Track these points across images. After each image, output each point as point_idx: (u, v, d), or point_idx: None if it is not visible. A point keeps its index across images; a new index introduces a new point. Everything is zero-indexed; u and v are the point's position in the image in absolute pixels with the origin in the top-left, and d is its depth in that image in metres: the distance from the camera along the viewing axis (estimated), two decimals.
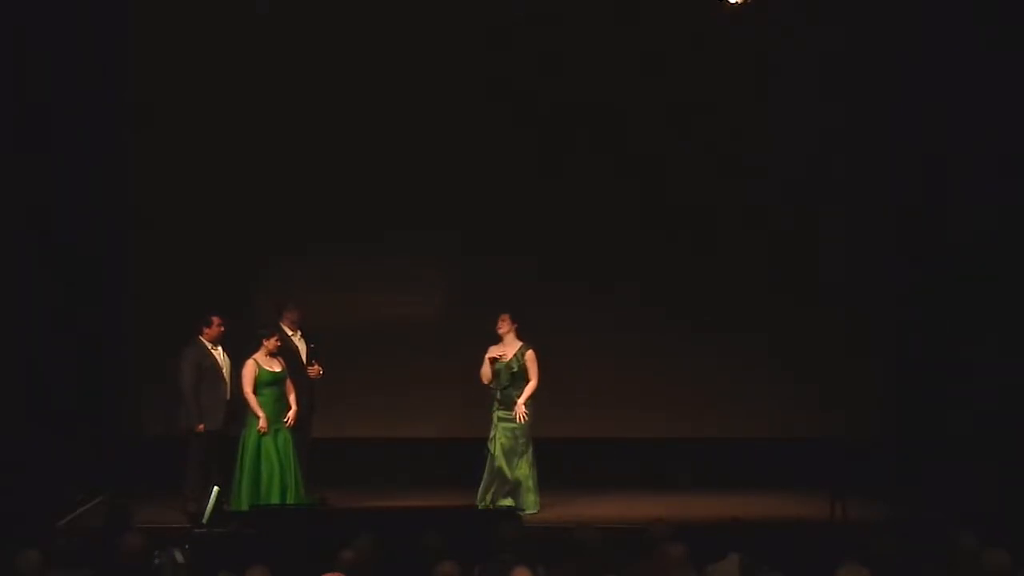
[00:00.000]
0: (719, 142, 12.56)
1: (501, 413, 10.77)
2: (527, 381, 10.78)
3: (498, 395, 10.78)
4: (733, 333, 12.45)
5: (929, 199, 12.14)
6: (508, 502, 10.61)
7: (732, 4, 11.20)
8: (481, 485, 10.76)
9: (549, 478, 11.54)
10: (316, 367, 10.99)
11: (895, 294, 12.50)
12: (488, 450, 10.73)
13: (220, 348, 10.84)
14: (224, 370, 10.74)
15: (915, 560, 7.11)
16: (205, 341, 10.78)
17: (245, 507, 10.21)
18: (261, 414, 10.42)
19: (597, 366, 12.47)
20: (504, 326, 10.83)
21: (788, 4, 12.28)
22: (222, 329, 10.82)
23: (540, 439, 11.15)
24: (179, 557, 7.86)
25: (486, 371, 10.78)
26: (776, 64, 12.51)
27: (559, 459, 12.03)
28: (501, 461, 10.66)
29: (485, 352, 10.88)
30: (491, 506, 10.58)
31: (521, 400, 10.73)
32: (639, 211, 12.62)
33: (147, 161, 12.51)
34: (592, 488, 11.77)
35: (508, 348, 10.82)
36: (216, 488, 9.55)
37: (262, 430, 10.39)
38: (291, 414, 10.58)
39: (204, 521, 9.29)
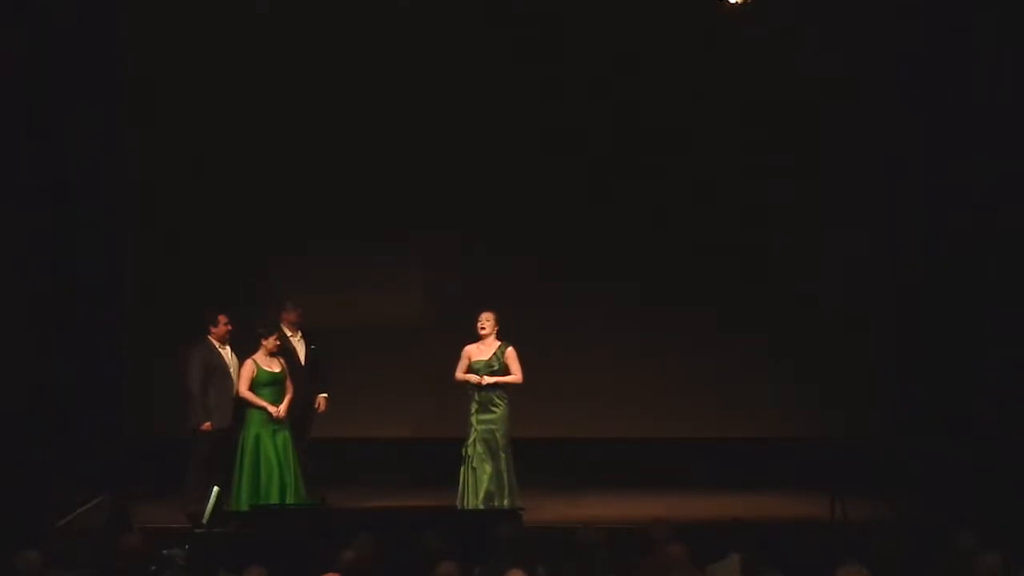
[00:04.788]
0: (718, 142, 12.56)
1: (480, 416, 10.50)
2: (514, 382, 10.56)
3: (476, 396, 10.53)
4: (733, 333, 12.46)
5: (929, 199, 12.13)
6: (505, 503, 10.50)
7: (732, 4, 11.21)
8: (460, 492, 10.48)
9: (549, 478, 11.58)
10: (324, 400, 11.03)
11: (895, 294, 12.50)
12: (466, 455, 10.51)
13: (228, 347, 10.85)
14: (232, 369, 10.75)
15: (915, 560, 7.11)
16: (212, 340, 10.80)
17: (245, 507, 10.21)
18: (262, 403, 10.43)
19: (597, 366, 12.47)
20: (488, 326, 10.56)
21: (788, 4, 12.29)
22: (229, 328, 10.83)
23: (539, 439, 11.16)
24: (181, 555, 7.89)
25: (461, 375, 10.54)
26: (777, 64, 12.50)
27: (558, 459, 12.06)
28: (483, 464, 10.45)
29: (462, 352, 10.59)
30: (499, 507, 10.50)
31: (497, 380, 10.44)
32: (639, 211, 12.62)
33: (147, 161, 12.52)
34: (592, 488, 11.77)
35: (487, 348, 10.58)
36: (216, 488, 9.56)
37: (279, 414, 10.41)
38: (283, 405, 10.54)
39: (204, 521, 9.29)
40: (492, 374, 10.50)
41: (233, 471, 10.46)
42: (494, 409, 10.52)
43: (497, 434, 10.48)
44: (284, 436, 10.52)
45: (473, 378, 10.51)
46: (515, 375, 10.54)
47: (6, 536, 8.30)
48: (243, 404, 10.57)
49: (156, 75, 12.45)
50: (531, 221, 12.52)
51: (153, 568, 7.52)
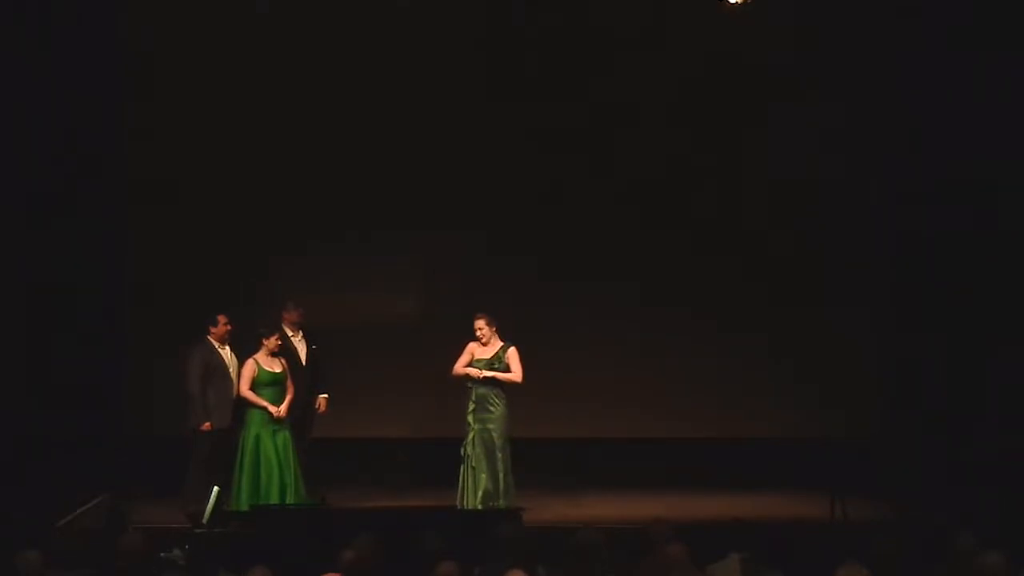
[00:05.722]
0: (719, 142, 12.57)
1: (477, 415, 10.52)
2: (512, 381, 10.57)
3: (473, 395, 10.57)
4: (733, 333, 12.46)
5: (929, 198, 12.14)
6: (502, 503, 10.49)
7: (732, 4, 11.21)
8: (459, 491, 10.51)
9: (549, 478, 11.59)
10: (325, 401, 11.04)
11: (895, 294, 12.50)
12: (465, 455, 10.52)
13: (227, 347, 10.86)
14: (231, 369, 10.77)
15: (915, 560, 7.11)
16: (212, 340, 10.80)
17: (245, 507, 10.22)
18: (263, 403, 10.45)
19: (597, 366, 12.47)
20: (483, 332, 10.56)
21: (788, 4, 12.30)
22: (228, 328, 10.85)
23: (539, 439, 11.15)
24: (181, 555, 7.89)
25: (460, 368, 10.60)
26: (776, 64, 12.50)
27: (558, 459, 12.07)
28: (481, 464, 10.47)
29: (465, 348, 10.64)
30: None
31: (494, 374, 10.49)
32: (639, 211, 12.62)
33: (146, 160, 12.52)
34: (592, 488, 11.78)
35: (490, 347, 10.61)
36: (216, 488, 9.56)
37: (279, 414, 10.41)
38: (284, 405, 10.55)
39: (204, 521, 9.29)
40: (493, 371, 10.53)
41: (233, 471, 10.47)
42: (491, 408, 10.54)
43: (494, 434, 10.50)
44: (284, 436, 10.53)
45: (473, 371, 10.52)
46: (514, 374, 10.55)
47: (6, 536, 8.28)
48: (243, 404, 10.58)
49: (156, 74, 12.45)
50: (531, 221, 12.52)
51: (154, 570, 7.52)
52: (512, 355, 10.58)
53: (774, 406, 12.45)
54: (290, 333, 11.01)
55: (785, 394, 12.45)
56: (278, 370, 10.60)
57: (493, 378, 10.53)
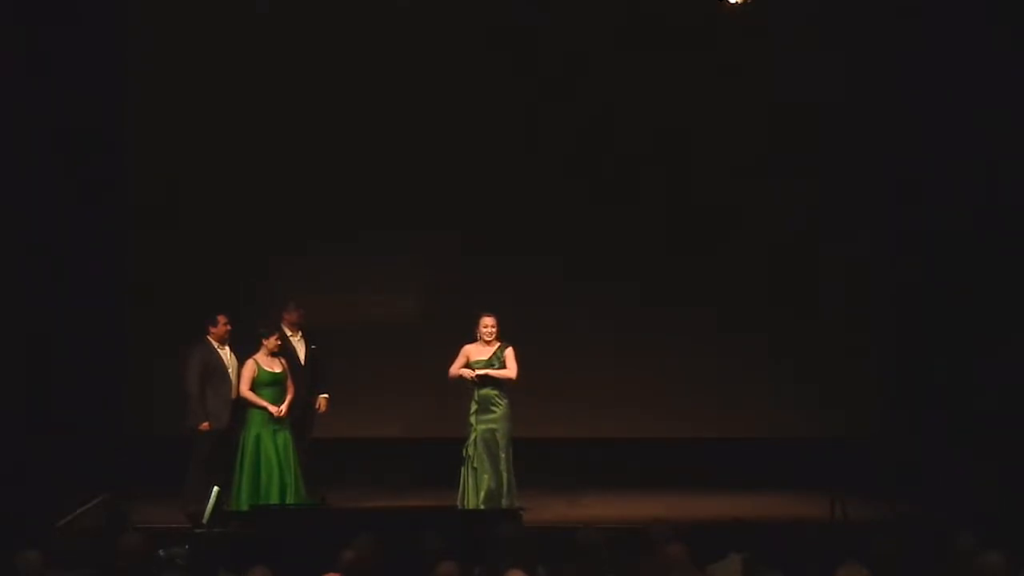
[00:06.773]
0: (719, 141, 12.57)
1: (480, 416, 10.49)
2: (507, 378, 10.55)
3: (476, 396, 10.54)
4: (733, 333, 12.46)
5: (929, 198, 12.14)
6: (504, 503, 10.46)
7: (732, 4, 11.21)
8: (460, 492, 10.48)
9: (549, 478, 11.57)
10: (325, 400, 11.04)
11: (895, 294, 12.50)
12: (467, 456, 10.49)
13: (227, 348, 10.86)
14: (231, 370, 10.76)
15: (915, 560, 7.11)
16: (212, 340, 10.81)
17: (245, 507, 10.22)
18: (263, 403, 10.45)
19: (597, 366, 12.47)
20: (493, 331, 10.51)
21: (788, 4, 12.30)
22: (228, 328, 10.84)
23: (539, 439, 11.14)
24: (181, 555, 7.88)
25: (455, 370, 10.56)
26: (775, 62, 12.50)
27: (558, 459, 12.06)
28: (483, 464, 10.45)
29: (460, 351, 10.61)
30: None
31: (489, 372, 10.44)
32: (639, 211, 12.62)
33: (147, 160, 12.53)
34: (593, 488, 11.78)
35: (487, 348, 10.57)
36: (216, 488, 9.56)
37: (279, 413, 10.43)
38: (284, 405, 10.55)
39: (204, 521, 9.29)
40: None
41: (233, 471, 10.47)
42: (494, 409, 10.52)
43: (497, 434, 10.48)
44: (284, 436, 10.53)
45: (467, 372, 10.52)
46: (509, 371, 10.52)
47: (6, 536, 8.28)
48: (243, 404, 10.59)
49: (156, 74, 12.46)
50: (531, 221, 12.52)
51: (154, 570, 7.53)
52: (509, 354, 10.56)
53: (774, 406, 12.45)
54: (289, 333, 11.01)
55: (785, 394, 12.45)
56: (278, 370, 10.61)
57: (491, 378, 10.51)
